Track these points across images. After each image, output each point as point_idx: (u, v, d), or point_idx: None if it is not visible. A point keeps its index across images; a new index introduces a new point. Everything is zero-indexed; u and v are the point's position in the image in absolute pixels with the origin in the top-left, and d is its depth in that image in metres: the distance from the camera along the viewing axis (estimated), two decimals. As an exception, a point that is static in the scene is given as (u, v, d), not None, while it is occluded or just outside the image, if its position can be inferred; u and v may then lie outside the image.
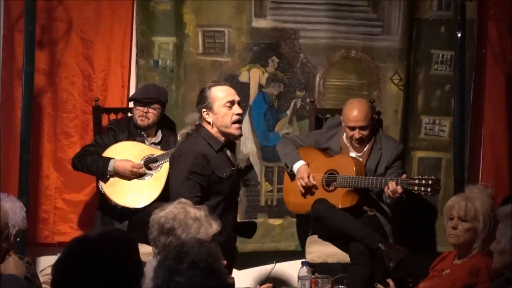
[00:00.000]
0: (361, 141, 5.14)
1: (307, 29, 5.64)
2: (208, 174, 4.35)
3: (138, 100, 5.21)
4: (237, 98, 4.48)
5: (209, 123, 4.42)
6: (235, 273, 4.89)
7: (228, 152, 4.53)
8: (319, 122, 5.56)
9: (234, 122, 4.42)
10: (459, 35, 5.25)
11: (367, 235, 4.88)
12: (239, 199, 4.88)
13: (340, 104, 5.47)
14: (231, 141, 4.55)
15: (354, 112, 5.08)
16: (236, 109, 4.42)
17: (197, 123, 4.50)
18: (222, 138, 4.45)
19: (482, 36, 5.63)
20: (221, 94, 4.42)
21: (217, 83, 4.57)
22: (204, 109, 4.42)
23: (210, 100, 4.40)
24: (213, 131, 4.44)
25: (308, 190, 5.20)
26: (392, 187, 4.86)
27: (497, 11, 5.60)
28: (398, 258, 4.78)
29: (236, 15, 5.61)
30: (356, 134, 5.09)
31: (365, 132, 5.10)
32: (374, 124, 5.21)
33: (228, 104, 4.41)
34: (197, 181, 4.33)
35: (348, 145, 5.22)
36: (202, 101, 4.43)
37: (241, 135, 4.53)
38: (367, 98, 5.52)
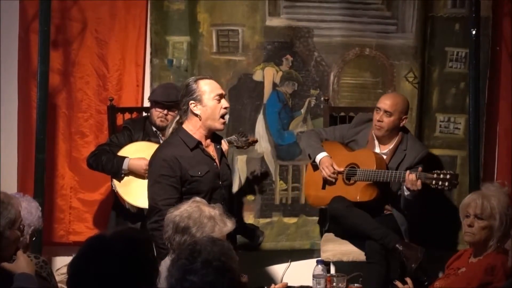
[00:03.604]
0: (380, 129, 5.10)
1: (321, 27, 5.63)
2: (178, 175, 4.31)
3: (160, 102, 5.21)
4: (224, 92, 4.49)
5: (196, 115, 4.38)
6: (250, 271, 4.89)
7: (212, 147, 4.51)
8: (333, 120, 5.55)
9: (222, 116, 4.41)
10: (474, 32, 5.22)
11: (384, 235, 4.86)
12: (254, 196, 4.77)
13: (355, 102, 5.48)
14: (215, 134, 4.55)
15: (387, 96, 5.17)
16: (224, 103, 4.42)
17: (177, 119, 4.49)
18: (202, 133, 4.41)
19: (496, 33, 5.61)
20: (210, 88, 4.39)
21: (203, 77, 4.54)
22: (192, 101, 4.36)
23: (199, 93, 4.36)
24: (196, 125, 4.40)
25: (330, 181, 5.18)
26: (411, 177, 4.83)
27: (512, 8, 5.58)
28: (418, 259, 4.74)
29: (250, 14, 5.61)
30: (377, 116, 5.09)
31: (386, 119, 5.08)
32: (399, 124, 5.15)
33: (217, 97, 4.39)
34: (167, 184, 4.29)
35: (375, 141, 5.20)
36: (190, 94, 4.38)
37: (223, 129, 4.52)
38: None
